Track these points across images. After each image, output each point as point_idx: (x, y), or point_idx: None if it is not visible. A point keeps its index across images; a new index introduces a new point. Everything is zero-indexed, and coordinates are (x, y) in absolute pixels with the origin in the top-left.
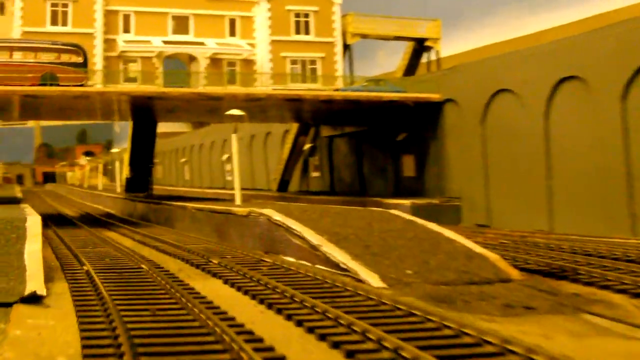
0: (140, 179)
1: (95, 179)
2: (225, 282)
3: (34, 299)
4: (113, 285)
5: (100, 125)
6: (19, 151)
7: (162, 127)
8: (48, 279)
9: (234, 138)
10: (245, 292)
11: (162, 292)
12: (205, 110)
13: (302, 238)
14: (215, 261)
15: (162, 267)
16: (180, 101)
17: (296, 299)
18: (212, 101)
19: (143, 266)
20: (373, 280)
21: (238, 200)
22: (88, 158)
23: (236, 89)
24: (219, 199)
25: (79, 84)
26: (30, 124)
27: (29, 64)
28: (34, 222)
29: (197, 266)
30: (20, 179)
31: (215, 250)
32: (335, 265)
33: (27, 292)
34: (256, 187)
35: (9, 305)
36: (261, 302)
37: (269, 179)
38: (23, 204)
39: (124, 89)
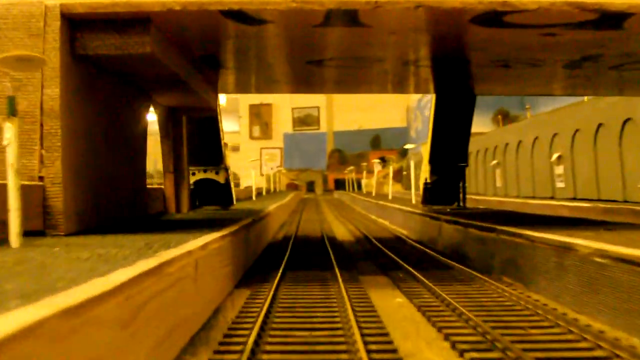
0: (445, 184)
1: (389, 185)
2: None
3: None
4: None
5: (395, 130)
6: (311, 157)
7: None
8: None
9: None
10: None
11: None
12: (564, 65)
13: None
14: None
15: None
16: (531, 32)
17: None
18: (596, 31)
19: None
20: None
21: None
22: (378, 161)
23: None
24: (584, 220)
25: None
26: (323, 129)
27: None
28: None
29: None
30: (311, 186)
31: None
32: None
33: None
34: (601, 197)
35: None
36: None
37: (626, 185)
38: (206, 235)
39: None
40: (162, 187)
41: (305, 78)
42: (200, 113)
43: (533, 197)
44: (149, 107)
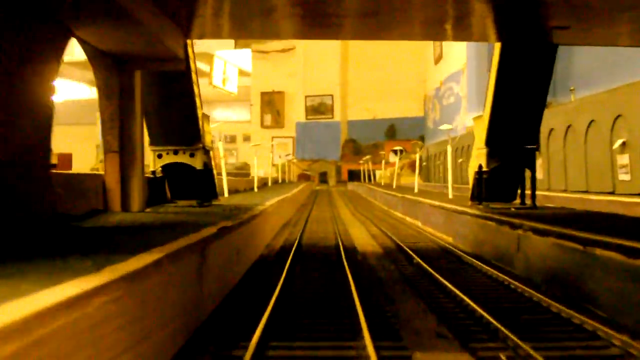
0: (506, 174)
1: (406, 177)
2: None
3: None
4: None
5: (411, 120)
6: (324, 147)
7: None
8: None
9: None
10: None
11: None
12: None
13: None
14: None
15: None
16: None
17: None
18: None
19: None
20: None
21: None
22: (401, 148)
23: None
24: None
25: None
26: (337, 118)
27: None
28: None
29: None
30: (323, 177)
31: None
32: None
33: None
34: None
35: None
36: None
37: None
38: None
39: None
40: (102, 173)
41: (319, 9)
42: (161, 66)
43: (586, 192)
44: (64, 45)
